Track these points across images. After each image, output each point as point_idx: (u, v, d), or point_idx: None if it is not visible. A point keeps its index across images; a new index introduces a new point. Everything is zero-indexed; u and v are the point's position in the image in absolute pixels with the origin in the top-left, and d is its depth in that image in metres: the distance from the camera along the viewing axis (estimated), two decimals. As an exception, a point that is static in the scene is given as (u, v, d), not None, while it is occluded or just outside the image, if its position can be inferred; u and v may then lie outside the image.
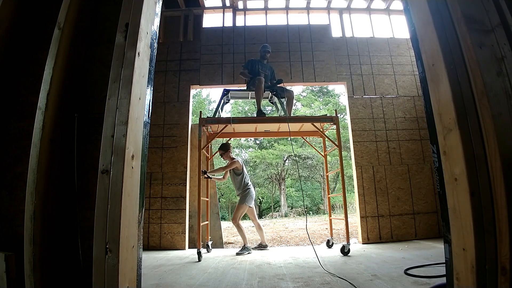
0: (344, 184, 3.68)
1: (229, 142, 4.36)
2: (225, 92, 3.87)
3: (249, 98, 4.17)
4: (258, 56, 4.21)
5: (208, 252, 3.80)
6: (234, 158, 3.99)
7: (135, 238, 1.27)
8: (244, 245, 3.77)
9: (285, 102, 3.89)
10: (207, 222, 4.11)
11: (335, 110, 3.89)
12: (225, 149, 4.03)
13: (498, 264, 0.96)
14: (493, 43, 1.09)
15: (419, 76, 1.37)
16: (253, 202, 4.01)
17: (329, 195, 4.50)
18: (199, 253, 3.23)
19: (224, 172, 4.18)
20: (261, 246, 4.00)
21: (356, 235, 5.26)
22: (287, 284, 2.17)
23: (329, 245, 3.96)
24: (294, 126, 3.94)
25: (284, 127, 3.92)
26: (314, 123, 3.83)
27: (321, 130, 3.91)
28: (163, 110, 4.55)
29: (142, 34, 1.39)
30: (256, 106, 3.86)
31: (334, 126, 3.75)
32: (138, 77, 1.35)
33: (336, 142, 3.71)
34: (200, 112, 3.73)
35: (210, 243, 3.91)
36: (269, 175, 17.01)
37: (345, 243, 3.38)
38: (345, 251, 3.35)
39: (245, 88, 4.06)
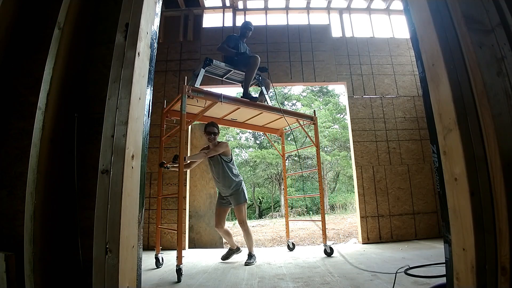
0: (322, 185, 3.71)
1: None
2: (208, 62, 3.11)
3: (223, 78, 3.52)
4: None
5: (158, 267, 2.88)
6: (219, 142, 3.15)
7: (135, 238, 1.27)
8: (250, 252, 3.13)
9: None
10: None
11: (314, 111, 3.93)
12: (218, 129, 3.14)
13: (498, 264, 0.96)
14: (493, 43, 1.09)
15: (419, 76, 1.37)
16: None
17: (286, 196, 4.28)
18: (178, 271, 2.34)
19: (194, 160, 3.20)
20: (232, 252, 3.26)
21: (356, 235, 5.26)
22: (287, 284, 2.17)
23: (290, 248, 3.83)
24: (260, 120, 3.79)
25: (255, 119, 3.69)
26: (298, 120, 3.75)
27: (299, 126, 3.86)
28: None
29: (142, 34, 1.39)
30: (244, 88, 3.29)
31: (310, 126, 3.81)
32: (138, 77, 1.35)
33: (314, 141, 3.77)
34: (186, 77, 3.04)
35: (161, 255, 2.99)
36: (269, 175, 17.00)
37: (325, 244, 3.38)
38: (328, 252, 3.32)
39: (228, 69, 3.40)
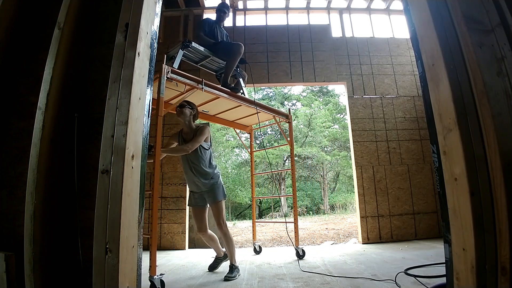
0: (295, 185, 3.57)
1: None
2: (187, 44, 2.75)
3: (197, 64, 3.18)
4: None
5: None
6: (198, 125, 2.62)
7: (135, 238, 1.27)
8: (232, 264, 2.51)
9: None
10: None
11: (289, 109, 3.84)
12: (192, 105, 2.61)
13: (498, 264, 0.96)
14: (493, 43, 1.09)
15: (419, 76, 1.37)
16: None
17: (254, 197, 4.03)
18: (152, 286, 1.95)
19: (172, 155, 2.72)
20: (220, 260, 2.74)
21: (356, 235, 5.26)
22: (287, 284, 2.17)
23: (257, 251, 3.64)
24: (232, 115, 3.57)
25: (227, 113, 3.46)
26: (275, 116, 3.60)
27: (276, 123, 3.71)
28: (163, 110, 4.54)
29: (142, 34, 1.39)
30: (223, 78, 3.02)
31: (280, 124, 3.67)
32: (138, 77, 1.35)
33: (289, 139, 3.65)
34: (166, 55, 2.48)
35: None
36: (269, 175, 16.99)
37: (297, 247, 3.25)
38: (300, 254, 3.20)
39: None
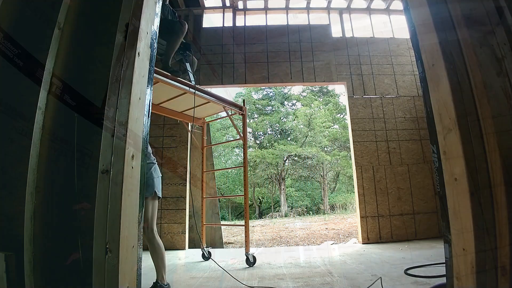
0: (247, 185, 3.27)
1: None
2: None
3: None
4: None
5: None
6: None
7: (135, 238, 1.27)
8: (156, 281, 2.13)
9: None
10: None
11: (243, 101, 3.61)
12: None
13: (498, 264, 0.96)
14: (493, 43, 1.09)
15: (419, 76, 1.37)
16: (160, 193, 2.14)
17: (204, 197, 3.71)
18: None
19: None
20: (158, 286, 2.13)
21: (356, 235, 5.26)
22: (287, 284, 2.17)
23: (205, 256, 3.30)
24: (179, 105, 3.17)
25: (173, 102, 3.06)
26: (226, 108, 3.25)
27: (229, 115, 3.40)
28: (163, 110, 4.53)
29: (142, 34, 1.39)
30: (164, 60, 2.73)
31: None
32: (138, 77, 1.35)
33: (242, 134, 3.36)
34: None
35: None
36: (269, 175, 17.01)
37: (247, 253, 2.97)
38: (250, 261, 2.94)
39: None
